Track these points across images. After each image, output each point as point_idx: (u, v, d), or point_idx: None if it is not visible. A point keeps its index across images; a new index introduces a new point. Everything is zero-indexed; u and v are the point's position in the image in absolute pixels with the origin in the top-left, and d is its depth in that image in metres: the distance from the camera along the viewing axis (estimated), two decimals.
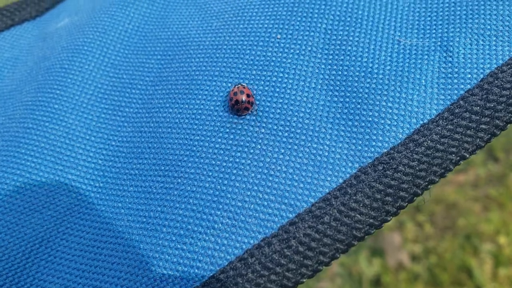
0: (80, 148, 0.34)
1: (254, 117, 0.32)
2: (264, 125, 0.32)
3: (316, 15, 0.35)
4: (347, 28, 0.34)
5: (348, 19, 0.34)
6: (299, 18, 0.35)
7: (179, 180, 0.31)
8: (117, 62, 0.37)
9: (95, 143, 0.34)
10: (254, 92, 0.33)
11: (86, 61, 0.37)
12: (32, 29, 0.44)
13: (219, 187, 0.30)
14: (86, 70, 0.37)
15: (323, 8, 0.35)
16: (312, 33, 0.34)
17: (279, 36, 0.35)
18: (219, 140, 0.32)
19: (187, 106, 0.34)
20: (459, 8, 0.34)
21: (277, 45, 0.34)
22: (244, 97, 0.32)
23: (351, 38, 0.34)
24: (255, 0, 0.37)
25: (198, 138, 0.32)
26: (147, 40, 0.38)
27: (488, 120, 0.29)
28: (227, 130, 0.32)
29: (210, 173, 0.31)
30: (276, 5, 0.36)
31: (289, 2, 0.36)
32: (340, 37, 0.34)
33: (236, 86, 0.33)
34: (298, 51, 0.34)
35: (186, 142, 0.32)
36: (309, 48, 0.34)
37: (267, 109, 0.32)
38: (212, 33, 0.37)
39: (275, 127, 0.31)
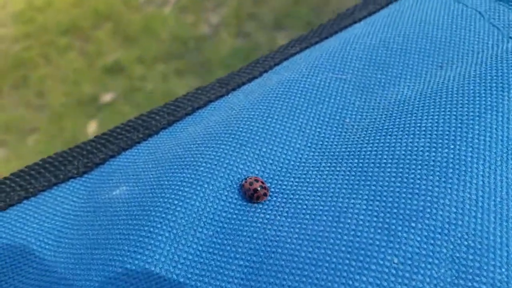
0: None
1: None
2: None
3: None
4: None
5: None
6: None
7: None
8: (189, 262, 0.31)
9: None
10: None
11: (152, 261, 0.31)
12: (78, 189, 0.37)
13: None
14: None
15: None
16: None
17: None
18: None
19: None
20: None
21: None
22: (259, 185, 0.33)
23: None
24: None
25: None
26: (226, 235, 0.32)
27: None
28: None
29: None
30: None
31: None
32: None
33: (249, 178, 0.34)
34: None
35: None
36: None
37: None
38: (307, 240, 0.31)
39: None
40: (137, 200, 0.34)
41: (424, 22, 0.42)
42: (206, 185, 0.33)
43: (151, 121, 0.40)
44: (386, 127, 0.35)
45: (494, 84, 0.35)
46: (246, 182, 0.34)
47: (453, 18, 0.42)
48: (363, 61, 0.40)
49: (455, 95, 0.35)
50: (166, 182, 0.34)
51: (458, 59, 0.39)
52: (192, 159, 0.35)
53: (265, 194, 0.33)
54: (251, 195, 0.33)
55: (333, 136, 0.36)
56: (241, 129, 0.36)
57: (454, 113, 0.34)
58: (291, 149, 0.36)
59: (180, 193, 0.33)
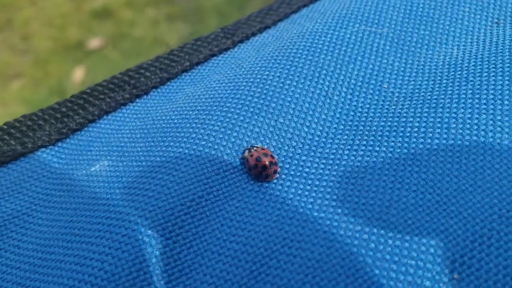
0: None
1: None
2: None
3: None
4: None
5: None
6: None
7: None
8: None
9: None
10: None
11: (144, 257, 0.24)
12: (50, 160, 0.30)
13: None
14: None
15: None
16: None
17: None
18: None
19: None
20: None
21: None
22: (268, 161, 0.26)
23: None
24: None
25: None
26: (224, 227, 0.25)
27: None
28: None
29: None
30: None
31: None
32: None
33: (254, 149, 0.27)
34: None
35: None
36: None
37: None
38: (337, 241, 0.24)
39: None
40: (121, 181, 0.27)
41: None
42: (208, 164, 0.27)
43: (140, 77, 0.33)
44: (435, 96, 0.28)
45: None
46: (251, 155, 0.27)
47: None
48: (402, 12, 0.33)
49: None
50: (158, 159, 0.27)
51: None
52: (191, 129, 0.28)
53: (275, 172, 0.27)
54: (259, 173, 0.26)
55: (368, 106, 0.29)
56: (252, 93, 0.29)
57: None
58: (316, 120, 0.29)
59: (175, 173, 0.26)
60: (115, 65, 1.69)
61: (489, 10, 0.32)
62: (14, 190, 0.29)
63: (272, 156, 0.27)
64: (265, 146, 0.28)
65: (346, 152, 0.27)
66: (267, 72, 0.30)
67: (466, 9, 0.33)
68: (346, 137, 0.28)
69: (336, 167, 0.26)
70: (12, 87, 1.68)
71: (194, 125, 0.28)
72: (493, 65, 0.28)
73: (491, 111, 0.26)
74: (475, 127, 0.26)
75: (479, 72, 0.28)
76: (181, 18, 1.80)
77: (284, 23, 0.35)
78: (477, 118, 0.26)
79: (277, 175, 0.26)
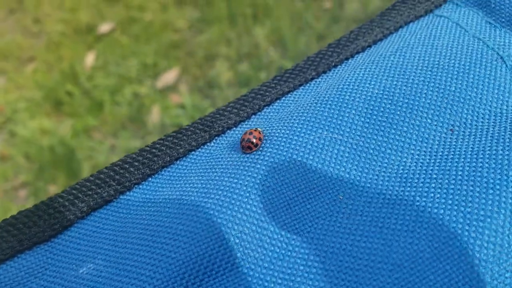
0: None
1: None
2: None
3: None
4: None
5: None
6: None
7: None
8: None
9: None
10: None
11: None
12: (43, 255, 0.34)
13: None
14: None
15: None
16: None
17: None
18: None
19: None
20: None
21: None
22: (252, 138, 0.35)
23: None
24: None
25: None
26: None
27: None
28: None
29: None
30: None
31: None
32: None
33: (255, 130, 0.36)
34: None
35: None
36: None
37: None
38: None
39: None
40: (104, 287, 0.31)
41: (437, 67, 0.36)
42: (178, 278, 0.30)
43: (124, 173, 0.36)
44: (383, 215, 0.31)
45: (511, 173, 0.30)
46: (250, 132, 0.36)
47: (471, 63, 0.36)
48: (363, 116, 0.35)
49: (465, 183, 0.30)
50: (134, 269, 0.31)
51: (473, 122, 0.34)
52: (164, 240, 0.32)
53: (249, 148, 0.35)
54: (240, 141, 0.36)
55: (323, 217, 0.32)
56: (221, 203, 0.32)
57: (462, 209, 0.29)
58: (277, 230, 0.32)
59: (148, 287, 0.30)
60: (125, 50, 1.72)
61: (445, 116, 0.34)
62: (13, 287, 0.33)
63: (259, 139, 0.35)
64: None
65: (301, 268, 0.30)
66: (235, 181, 0.33)
67: (424, 114, 0.34)
68: (302, 250, 0.31)
69: (293, 277, 0.30)
70: (27, 70, 1.72)
71: (167, 235, 0.32)
72: (439, 185, 0.31)
73: (430, 237, 0.29)
74: (414, 253, 0.29)
75: (425, 193, 0.31)
76: (190, 2, 1.81)
77: (257, 117, 0.38)
78: (416, 244, 0.29)
79: (250, 150, 0.35)
